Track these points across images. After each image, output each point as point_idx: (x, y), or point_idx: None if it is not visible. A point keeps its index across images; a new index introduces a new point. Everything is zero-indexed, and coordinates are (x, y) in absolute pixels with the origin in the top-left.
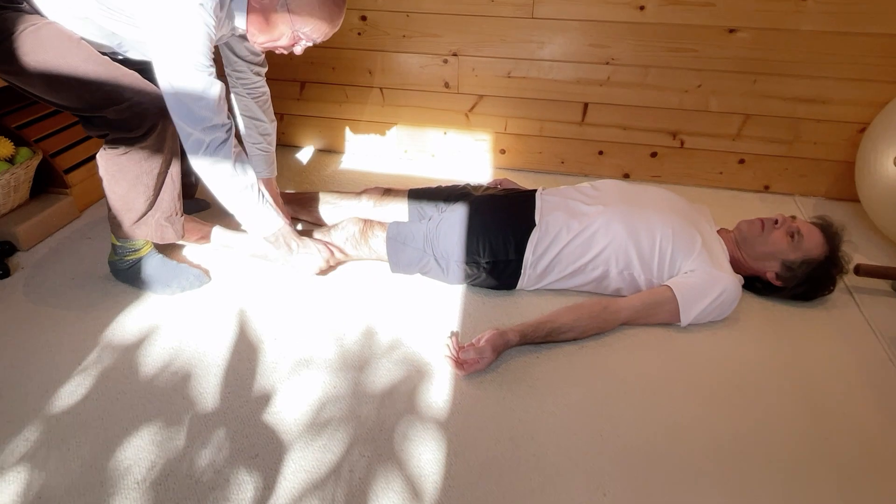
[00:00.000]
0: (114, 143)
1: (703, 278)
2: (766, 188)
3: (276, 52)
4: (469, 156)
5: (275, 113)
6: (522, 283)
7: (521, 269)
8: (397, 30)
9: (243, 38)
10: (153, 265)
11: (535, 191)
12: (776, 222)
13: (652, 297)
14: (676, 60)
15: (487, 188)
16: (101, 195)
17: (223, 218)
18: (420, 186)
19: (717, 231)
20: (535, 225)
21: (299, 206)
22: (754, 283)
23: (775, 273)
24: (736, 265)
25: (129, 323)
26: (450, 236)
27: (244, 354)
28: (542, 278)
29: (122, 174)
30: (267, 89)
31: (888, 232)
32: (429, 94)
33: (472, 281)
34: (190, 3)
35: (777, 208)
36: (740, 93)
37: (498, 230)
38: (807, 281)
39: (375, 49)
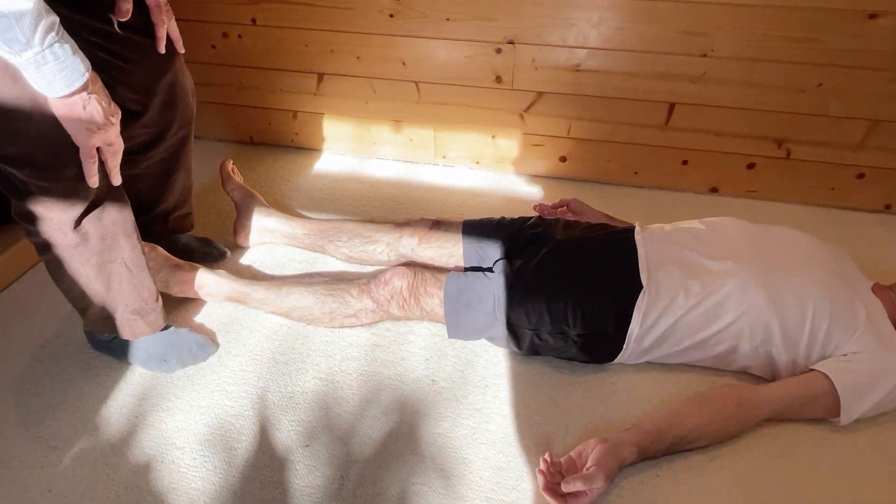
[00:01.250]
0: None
1: (871, 364)
2: (888, 208)
3: None
4: (521, 164)
5: (286, 110)
6: (623, 356)
7: (623, 343)
8: (439, 11)
9: None
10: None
11: (630, 231)
12: None
13: (802, 388)
14: (794, 53)
15: (563, 224)
16: None
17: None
18: (476, 217)
19: (872, 288)
20: (641, 287)
21: (322, 238)
22: None
23: None
24: None
25: (115, 414)
26: (531, 299)
27: (266, 473)
28: (647, 353)
29: (57, 270)
30: None
31: None
32: (476, 90)
33: (557, 354)
34: None
35: None
36: (869, 93)
37: (595, 293)
38: None
39: (411, 35)
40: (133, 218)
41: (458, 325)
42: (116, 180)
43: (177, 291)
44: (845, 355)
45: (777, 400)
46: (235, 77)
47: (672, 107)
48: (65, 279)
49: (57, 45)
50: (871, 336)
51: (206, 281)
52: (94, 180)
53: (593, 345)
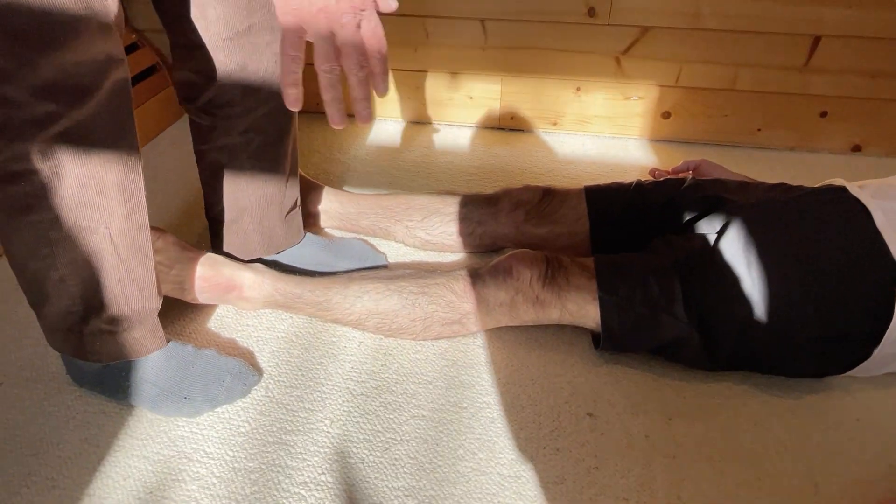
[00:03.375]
0: None
1: None
2: None
3: None
4: (613, 124)
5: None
6: (859, 369)
7: (873, 348)
8: None
9: None
10: (153, 360)
11: (841, 189)
12: None
13: None
14: None
15: (733, 185)
16: None
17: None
18: (596, 184)
19: None
20: (894, 270)
21: (387, 219)
22: None
23: None
24: None
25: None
26: (738, 294)
27: None
28: (894, 359)
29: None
30: None
31: None
32: (560, 26)
33: (770, 371)
34: None
35: None
36: None
37: (833, 281)
38: None
39: None
40: (141, 173)
41: (621, 329)
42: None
43: (194, 297)
44: None
45: None
46: None
47: (816, 41)
48: (12, 246)
49: None
50: None
51: (241, 280)
52: (292, 95)
53: (829, 353)
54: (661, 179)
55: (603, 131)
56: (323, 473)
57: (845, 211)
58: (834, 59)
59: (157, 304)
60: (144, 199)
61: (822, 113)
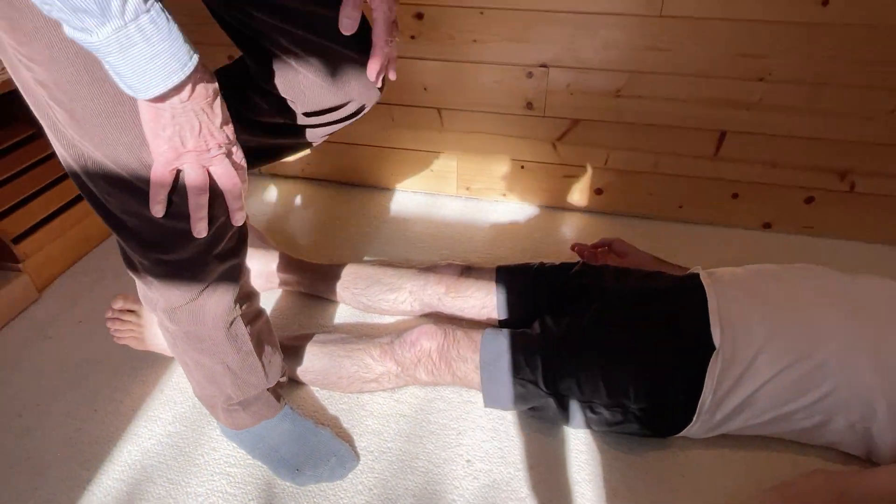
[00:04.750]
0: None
1: None
2: None
3: None
4: (553, 197)
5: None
6: (690, 430)
7: (692, 415)
8: (466, 32)
9: None
10: (281, 431)
11: (695, 277)
12: None
13: None
14: (866, 76)
15: (613, 272)
16: (66, 267)
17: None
18: (510, 263)
19: None
20: (714, 348)
21: (336, 284)
22: None
23: None
24: None
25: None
26: (581, 367)
27: None
28: (720, 425)
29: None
30: None
31: None
32: (505, 117)
33: (613, 428)
34: None
35: None
36: None
37: (658, 358)
38: None
39: (434, 58)
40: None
41: (496, 394)
42: (197, 230)
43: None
44: None
45: (891, 493)
46: None
47: (723, 135)
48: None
49: (147, 16)
50: None
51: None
52: (156, 209)
53: (657, 418)
54: (558, 263)
55: (544, 203)
56: (252, 498)
57: (687, 298)
58: (740, 150)
59: (264, 386)
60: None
61: (734, 194)
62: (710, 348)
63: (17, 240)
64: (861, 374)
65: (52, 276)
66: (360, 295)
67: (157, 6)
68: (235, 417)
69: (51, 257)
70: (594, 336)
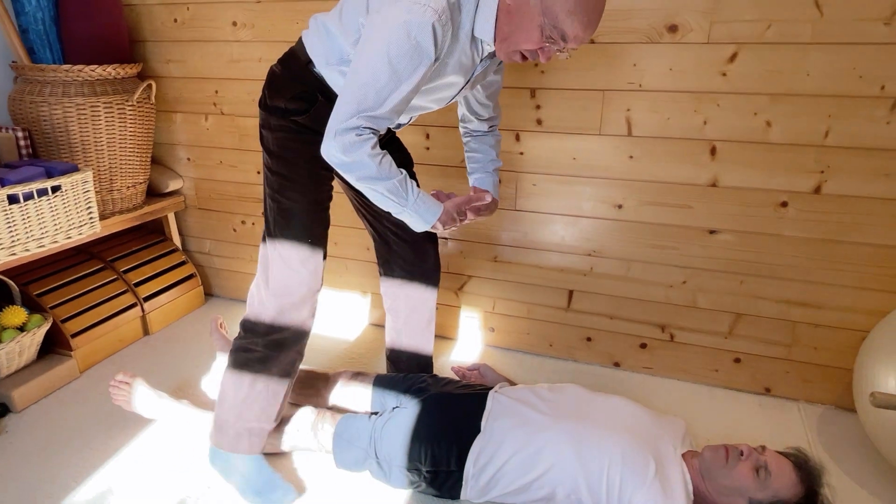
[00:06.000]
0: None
1: None
2: (768, 391)
3: (517, 58)
4: (461, 331)
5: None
6: (465, 494)
7: (462, 480)
8: None
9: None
10: (251, 467)
11: (490, 388)
12: (741, 454)
13: None
14: (659, 256)
15: (448, 382)
16: (103, 357)
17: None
18: (387, 373)
19: (683, 455)
20: (479, 431)
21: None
22: None
23: None
24: (701, 499)
25: None
26: (394, 439)
27: None
28: (486, 491)
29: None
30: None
31: (890, 458)
32: None
33: (416, 488)
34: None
35: (778, 414)
36: (728, 292)
37: (442, 436)
38: None
39: None
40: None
41: (343, 458)
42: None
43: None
44: None
45: None
46: (248, 253)
47: (571, 293)
48: (227, 381)
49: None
50: (656, 489)
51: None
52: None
53: (440, 480)
54: (422, 374)
55: (454, 336)
56: None
57: (475, 400)
58: (586, 305)
59: (272, 425)
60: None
61: (588, 338)
62: (476, 432)
63: (76, 335)
64: (565, 458)
65: (93, 362)
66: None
67: (422, 194)
68: (238, 441)
69: (95, 348)
70: (406, 419)
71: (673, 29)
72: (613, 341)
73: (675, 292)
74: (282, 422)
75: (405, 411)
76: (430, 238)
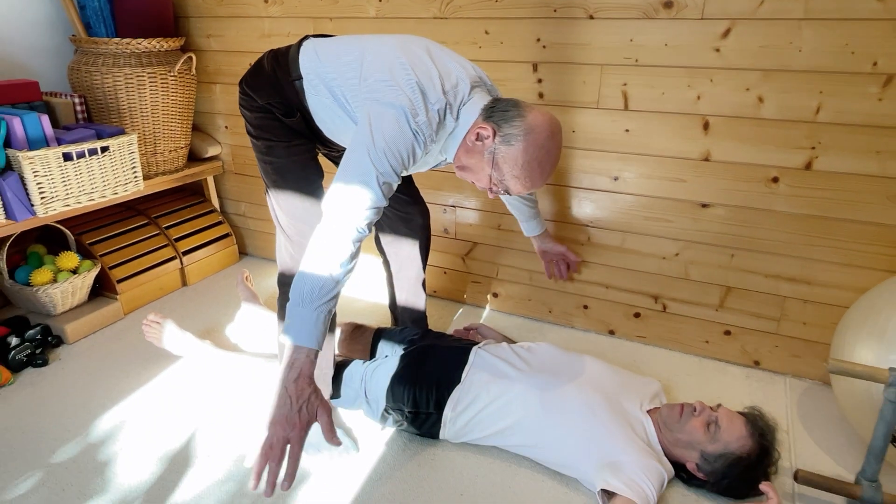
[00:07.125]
0: None
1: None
2: (757, 364)
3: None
4: (466, 296)
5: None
6: (444, 434)
7: (440, 422)
8: None
9: None
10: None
11: (474, 345)
12: (695, 410)
13: None
14: (653, 228)
15: (440, 336)
16: (145, 303)
17: None
18: (387, 326)
19: (650, 411)
20: (458, 382)
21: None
22: (679, 473)
23: (695, 464)
24: (664, 449)
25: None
26: (381, 382)
27: None
28: (463, 434)
29: None
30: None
31: (857, 427)
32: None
33: (399, 426)
34: (405, 132)
35: (764, 387)
36: (719, 265)
37: (423, 381)
38: (729, 476)
39: None
40: None
41: (344, 394)
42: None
43: None
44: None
45: None
46: None
47: (568, 264)
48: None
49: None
50: (616, 436)
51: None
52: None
53: (420, 420)
54: (419, 329)
55: (461, 300)
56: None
57: (460, 355)
58: (582, 274)
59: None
60: None
61: (584, 306)
62: (456, 382)
63: (121, 280)
64: (532, 410)
65: (136, 306)
66: None
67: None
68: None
69: (137, 294)
70: (394, 365)
71: (668, 5)
72: (609, 310)
73: (668, 264)
74: None
75: (394, 359)
76: (415, 201)
